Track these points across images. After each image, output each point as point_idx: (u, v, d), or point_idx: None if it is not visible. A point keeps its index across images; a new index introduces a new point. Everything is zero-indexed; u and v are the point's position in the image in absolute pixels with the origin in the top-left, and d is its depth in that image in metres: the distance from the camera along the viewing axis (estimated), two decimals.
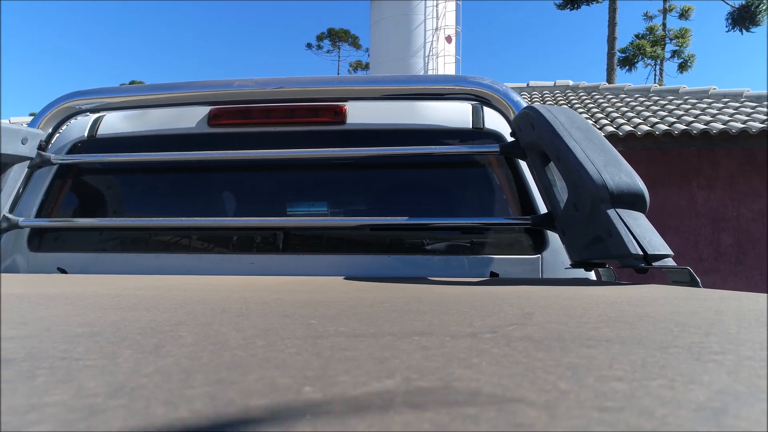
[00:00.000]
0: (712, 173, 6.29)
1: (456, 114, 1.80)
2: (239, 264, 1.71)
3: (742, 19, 21.81)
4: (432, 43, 17.73)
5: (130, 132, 1.90)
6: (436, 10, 17.80)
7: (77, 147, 1.88)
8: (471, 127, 1.77)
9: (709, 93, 7.42)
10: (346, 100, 1.80)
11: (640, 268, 1.11)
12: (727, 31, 23.16)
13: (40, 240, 1.83)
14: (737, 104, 6.79)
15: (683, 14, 26.41)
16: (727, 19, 22.17)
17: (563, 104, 8.05)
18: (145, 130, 1.89)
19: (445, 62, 17.77)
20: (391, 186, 1.84)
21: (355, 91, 1.76)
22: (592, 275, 1.62)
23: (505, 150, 1.64)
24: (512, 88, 9.55)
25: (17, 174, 1.78)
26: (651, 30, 26.36)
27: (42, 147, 1.83)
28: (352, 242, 1.75)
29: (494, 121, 1.77)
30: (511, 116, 1.69)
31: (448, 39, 18.10)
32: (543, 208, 1.63)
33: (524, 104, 1.70)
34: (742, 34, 22.26)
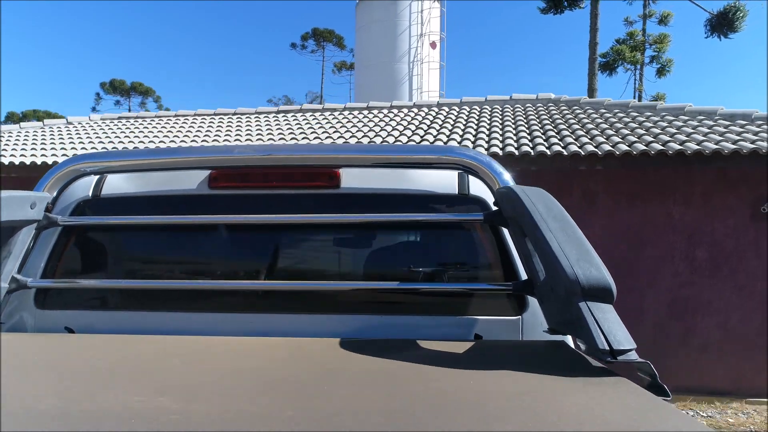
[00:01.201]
0: (688, 190, 6.49)
1: (443, 180, 1.90)
2: (237, 323, 1.80)
3: (721, 26, 22.27)
4: (417, 49, 17.85)
5: (133, 192, 1.97)
6: (421, 16, 17.91)
7: (82, 206, 1.95)
8: (457, 192, 1.88)
9: (685, 110, 7.63)
10: (340, 166, 1.89)
11: (605, 361, 1.22)
12: (706, 38, 23.64)
13: (46, 297, 1.89)
14: (711, 122, 7.01)
15: (662, 20, 26.89)
16: (705, 26, 22.63)
17: (545, 117, 8.21)
18: (147, 190, 1.97)
19: (429, 68, 17.90)
20: (381, 249, 1.95)
21: (349, 159, 1.87)
22: (569, 339, 1.73)
23: (488, 218, 1.75)
24: (495, 100, 9.68)
25: (25, 236, 1.84)
26: (631, 35, 26.79)
27: (48, 209, 1.89)
28: (342, 303, 1.84)
29: (479, 188, 1.88)
30: (495, 185, 1.80)
31: (433, 45, 18.23)
32: (524, 274, 1.74)
33: (507, 176, 1.82)
34: (720, 40, 22.73)
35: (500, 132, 7.41)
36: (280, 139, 8.48)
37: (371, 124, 8.79)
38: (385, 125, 8.61)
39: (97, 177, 1.99)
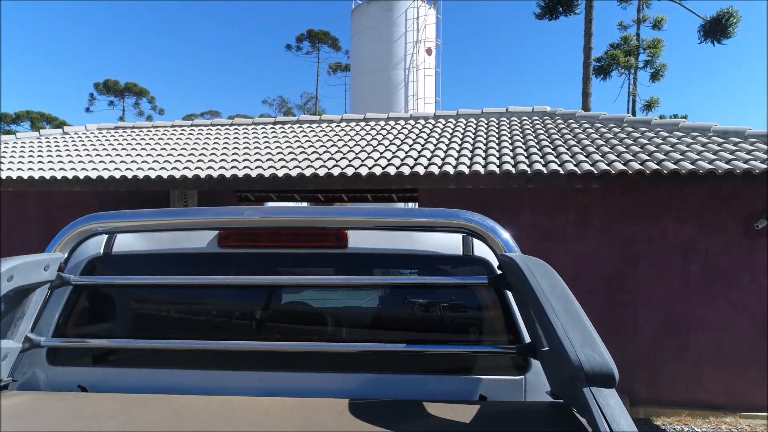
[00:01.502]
0: (682, 206, 6.57)
1: (448, 241, 1.96)
2: (247, 381, 1.84)
3: (714, 32, 22.45)
4: (413, 55, 17.89)
5: (144, 250, 2.01)
6: (417, 23, 17.97)
7: (93, 264, 1.99)
8: (462, 253, 1.94)
9: (679, 126, 7.72)
10: (347, 229, 1.94)
11: None
12: (699, 43, 23.82)
13: (58, 353, 1.92)
14: (705, 139, 7.10)
15: (656, 25, 27.06)
16: (699, 31, 22.80)
17: (541, 131, 8.27)
18: (158, 248, 2.01)
19: (425, 74, 17.95)
20: (387, 308, 2.00)
21: (355, 222, 1.90)
22: None
23: (492, 282, 1.81)
24: (491, 113, 9.74)
25: (39, 296, 1.87)
26: (626, 40, 26.94)
27: (61, 268, 1.93)
28: (348, 362, 1.89)
29: (483, 249, 1.94)
30: (499, 249, 1.85)
31: (428, 51, 18.28)
32: (527, 336, 1.79)
33: (511, 242, 1.86)
34: (714, 45, 22.90)
35: (497, 147, 7.47)
36: (277, 150, 8.51)
37: (368, 138, 8.83)
38: (383, 138, 8.65)
39: (108, 235, 2.03)
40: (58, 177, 7.58)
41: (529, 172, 6.30)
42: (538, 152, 7.04)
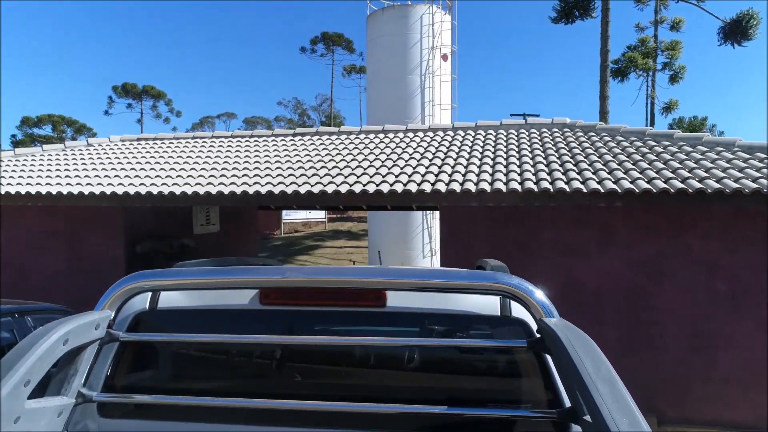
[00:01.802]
0: (707, 223, 6.52)
1: (485, 301, 2.00)
2: None
3: (734, 34, 22.12)
4: (429, 62, 17.89)
5: (188, 306, 2.08)
6: (432, 29, 17.96)
7: (139, 319, 2.07)
8: (499, 314, 1.97)
9: (703, 140, 7.65)
10: (386, 290, 1.99)
11: None
12: (719, 45, 23.48)
13: (105, 405, 2.00)
14: (729, 155, 7.03)
15: (674, 26, 26.72)
16: (718, 33, 22.49)
17: (561, 145, 8.25)
18: (201, 304, 2.08)
19: (441, 81, 17.94)
20: (425, 369, 2.02)
21: (394, 283, 1.95)
22: None
23: (531, 345, 1.83)
24: (510, 124, 9.73)
25: (89, 353, 1.94)
26: (643, 42, 26.65)
27: (109, 325, 2.00)
28: (384, 422, 1.91)
29: (521, 310, 1.96)
30: (537, 312, 1.86)
31: (444, 57, 18.27)
32: (567, 400, 1.81)
33: (549, 305, 1.88)
34: (734, 48, 22.57)
35: (517, 163, 7.47)
36: (298, 164, 8.59)
37: (387, 151, 8.88)
38: (402, 152, 8.70)
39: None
40: (86, 192, 7.73)
41: (552, 189, 6.30)
42: (560, 168, 7.03)
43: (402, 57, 17.78)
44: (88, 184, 8.14)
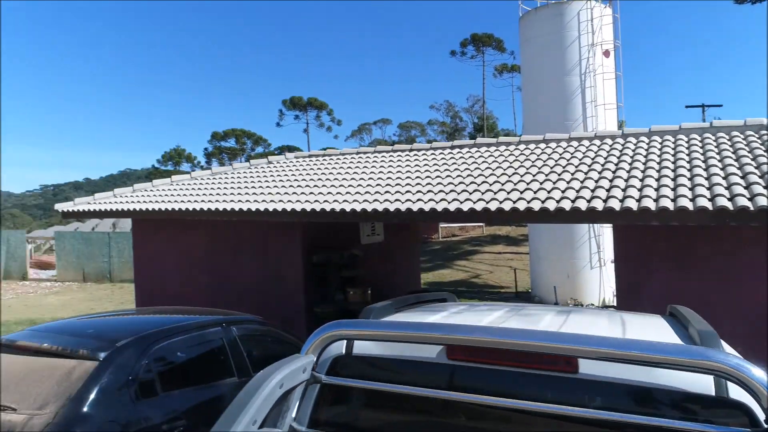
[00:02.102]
0: None
1: (695, 377, 1.79)
2: None
3: None
4: (588, 60, 16.88)
5: (380, 354, 2.30)
6: (591, 25, 16.91)
7: (336, 362, 2.33)
8: (714, 394, 1.76)
9: None
10: (578, 357, 1.91)
11: None
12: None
13: None
14: None
15: None
16: None
17: (759, 151, 7.22)
18: (392, 353, 2.28)
19: (604, 79, 16.81)
20: None
21: (588, 352, 1.84)
22: None
23: None
24: (691, 128, 8.77)
25: (298, 392, 2.27)
26: None
27: (313, 367, 2.29)
28: None
29: (740, 391, 1.71)
30: (765, 399, 1.62)
31: (606, 53, 17.08)
32: None
33: None
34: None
35: (704, 175, 6.71)
36: (457, 175, 8.72)
37: (551, 162, 8.59)
38: (567, 163, 8.34)
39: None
40: (270, 209, 8.73)
41: (752, 208, 5.57)
42: (760, 180, 6.17)
43: (559, 57, 17.00)
44: (272, 201, 9.17)
